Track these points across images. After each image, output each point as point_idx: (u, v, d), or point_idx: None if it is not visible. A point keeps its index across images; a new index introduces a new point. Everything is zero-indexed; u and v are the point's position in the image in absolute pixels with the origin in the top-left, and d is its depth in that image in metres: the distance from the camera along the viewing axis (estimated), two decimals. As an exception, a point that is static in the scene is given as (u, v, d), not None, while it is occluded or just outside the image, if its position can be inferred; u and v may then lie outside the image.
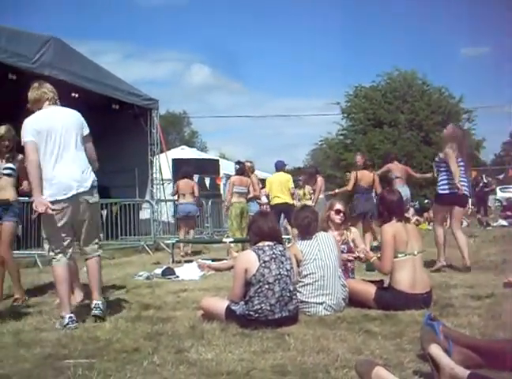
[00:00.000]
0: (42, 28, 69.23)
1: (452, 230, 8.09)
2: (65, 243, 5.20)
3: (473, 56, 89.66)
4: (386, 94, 35.63)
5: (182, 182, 12.70)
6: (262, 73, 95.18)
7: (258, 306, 4.65)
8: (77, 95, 13.32)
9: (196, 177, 15.31)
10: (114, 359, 3.83)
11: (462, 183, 7.75)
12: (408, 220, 5.79)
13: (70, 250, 5.28)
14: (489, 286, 6.26)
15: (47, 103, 5.29)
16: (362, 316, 5.01)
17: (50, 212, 4.95)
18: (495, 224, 18.01)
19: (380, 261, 5.51)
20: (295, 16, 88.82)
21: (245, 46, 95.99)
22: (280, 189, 12.05)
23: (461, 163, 7.89)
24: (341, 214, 6.48)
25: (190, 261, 9.55)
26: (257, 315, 4.64)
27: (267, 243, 4.88)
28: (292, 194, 12.12)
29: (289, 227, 11.93)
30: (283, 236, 6.34)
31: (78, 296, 6.06)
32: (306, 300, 5.17)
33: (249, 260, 4.79)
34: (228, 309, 4.79)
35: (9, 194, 6.44)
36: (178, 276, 8.22)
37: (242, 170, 11.91)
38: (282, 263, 4.80)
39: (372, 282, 5.62)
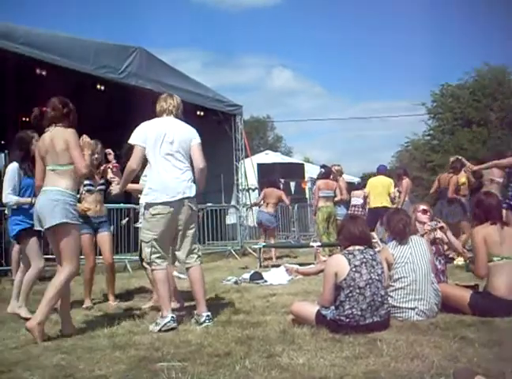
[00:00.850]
0: (126, 39, 71.70)
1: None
2: (166, 248, 5.35)
3: None
4: (475, 92, 34.49)
5: (268, 191, 12.69)
6: (344, 76, 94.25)
7: (349, 311, 4.59)
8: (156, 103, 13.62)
9: (281, 181, 15.33)
10: (207, 363, 3.87)
11: None
12: (505, 224, 5.54)
13: (169, 255, 5.44)
14: None
15: (166, 114, 5.50)
16: (456, 322, 4.84)
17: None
18: None
19: (474, 265, 5.33)
20: (375, 17, 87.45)
21: (325, 49, 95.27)
22: (380, 192, 11.98)
23: None
24: (428, 213, 6.32)
25: (278, 266, 9.54)
26: (347, 320, 4.58)
27: (357, 247, 4.82)
28: (393, 199, 11.95)
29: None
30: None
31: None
32: (398, 305, 5.06)
33: (339, 264, 4.74)
34: (319, 313, 4.76)
35: (104, 208, 6.87)
36: (266, 281, 8.23)
37: (328, 173, 11.82)
38: (373, 267, 4.73)
39: (467, 286, 5.43)
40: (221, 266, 11.27)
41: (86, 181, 6.55)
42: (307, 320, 4.83)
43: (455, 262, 9.07)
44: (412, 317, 5.01)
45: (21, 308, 5.99)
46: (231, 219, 16.24)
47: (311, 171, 21.24)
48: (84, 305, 6.54)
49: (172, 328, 4.98)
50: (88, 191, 6.64)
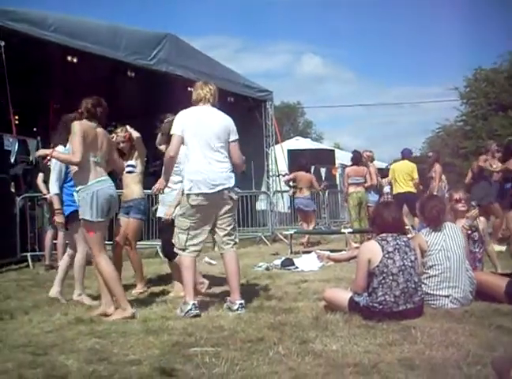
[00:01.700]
0: (156, 25, 71.80)
1: None
2: (202, 237, 5.36)
3: None
4: (510, 76, 33.73)
5: (299, 175, 12.66)
6: (374, 62, 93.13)
7: (382, 298, 4.56)
8: (192, 90, 13.63)
9: (311, 167, 15.27)
10: (240, 348, 3.87)
11: None
12: None
13: (202, 244, 5.43)
14: None
15: (202, 102, 5.48)
16: (492, 310, 4.77)
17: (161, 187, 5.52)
18: None
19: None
20: (405, 2, 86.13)
21: (355, 35, 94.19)
22: (403, 177, 11.70)
23: None
24: (462, 201, 6.20)
25: (309, 252, 9.51)
26: (381, 307, 4.55)
27: (391, 234, 4.77)
28: (417, 184, 11.70)
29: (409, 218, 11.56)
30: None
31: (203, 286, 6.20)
32: (432, 292, 5.00)
33: (372, 250, 4.71)
34: (351, 300, 4.73)
35: (131, 191, 6.57)
36: (297, 267, 8.22)
37: (357, 159, 11.72)
38: (406, 254, 4.68)
39: (503, 274, 5.34)
40: (252, 252, 11.27)
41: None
42: (340, 306, 4.81)
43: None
44: (446, 305, 4.95)
45: (82, 296, 6.05)
46: (261, 205, 16.24)
47: (341, 157, 21.12)
48: (134, 291, 6.60)
49: (195, 315, 4.97)
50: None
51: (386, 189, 13.16)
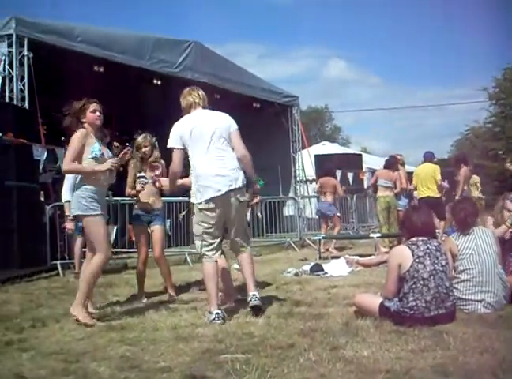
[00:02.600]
0: (181, 33, 72.29)
1: None
2: (217, 240, 5.34)
3: None
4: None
5: (323, 180, 12.62)
6: (400, 65, 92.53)
7: (413, 303, 4.50)
8: (218, 96, 13.68)
9: (339, 172, 15.21)
10: (270, 355, 3.85)
11: None
12: None
13: (221, 247, 5.43)
14: None
15: (193, 107, 5.46)
16: (527, 315, 4.69)
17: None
18: None
19: None
20: (432, 3, 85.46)
21: (380, 38, 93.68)
22: (425, 181, 11.43)
23: None
24: None
25: (338, 257, 9.45)
26: (412, 312, 4.50)
27: (421, 238, 4.72)
28: (440, 186, 11.43)
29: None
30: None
31: (233, 296, 6.17)
32: (464, 297, 4.94)
33: (402, 255, 4.66)
34: (382, 305, 4.68)
35: (157, 200, 6.75)
36: (326, 273, 8.16)
37: (390, 164, 11.62)
38: (437, 258, 4.62)
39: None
40: (280, 258, 11.24)
41: (139, 174, 6.58)
42: (370, 312, 4.76)
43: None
44: (479, 310, 4.88)
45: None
46: (288, 210, 16.21)
47: (369, 162, 20.99)
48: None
49: (220, 325, 4.94)
50: (142, 183, 6.60)
51: (416, 193, 13.00)
